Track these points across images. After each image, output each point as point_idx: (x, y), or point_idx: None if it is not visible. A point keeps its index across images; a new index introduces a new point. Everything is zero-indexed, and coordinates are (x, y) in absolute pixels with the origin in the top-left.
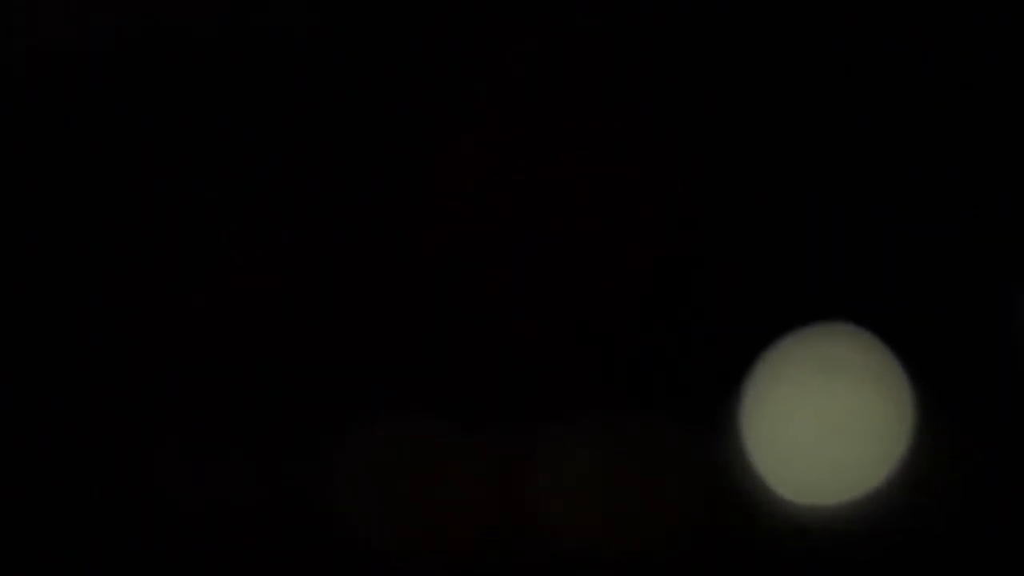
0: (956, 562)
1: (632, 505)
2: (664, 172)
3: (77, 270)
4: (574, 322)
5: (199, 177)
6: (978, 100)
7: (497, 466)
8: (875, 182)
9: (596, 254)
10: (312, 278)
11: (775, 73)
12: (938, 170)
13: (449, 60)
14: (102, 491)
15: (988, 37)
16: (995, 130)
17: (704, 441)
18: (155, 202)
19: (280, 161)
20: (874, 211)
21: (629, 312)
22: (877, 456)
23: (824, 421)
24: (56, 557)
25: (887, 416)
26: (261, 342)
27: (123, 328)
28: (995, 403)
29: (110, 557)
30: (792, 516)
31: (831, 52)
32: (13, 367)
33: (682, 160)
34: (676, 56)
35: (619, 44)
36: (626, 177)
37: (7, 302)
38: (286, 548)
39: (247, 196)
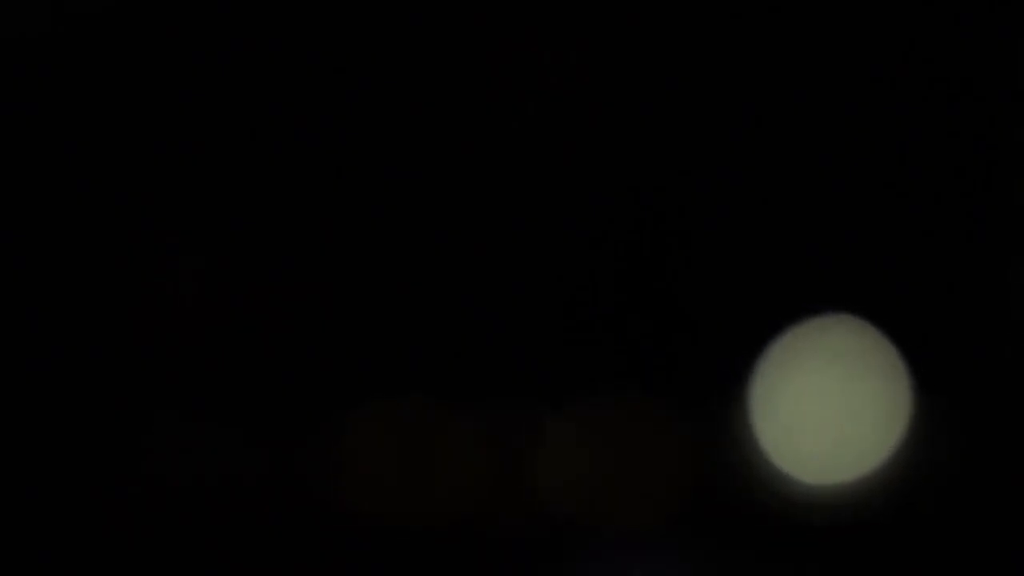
0: (950, 536)
1: (646, 482)
2: (676, 163)
3: (67, 262)
4: (591, 313)
5: (188, 168)
6: (976, 93)
7: (506, 447)
8: (878, 178)
9: (610, 245)
10: (307, 263)
11: (779, 65)
12: (937, 164)
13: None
14: (98, 476)
15: (977, 35)
16: (991, 121)
17: (716, 423)
18: (149, 193)
19: (260, 147)
20: (876, 210)
21: (647, 306)
22: (877, 437)
23: (828, 405)
24: (53, 545)
25: (886, 401)
26: (257, 327)
27: (111, 315)
28: (988, 389)
29: (104, 541)
30: (797, 493)
31: (831, 45)
32: (8, 359)
33: (692, 151)
34: (679, 51)
35: (619, 42)
36: (638, 166)
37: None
38: (285, 526)
39: (237, 186)
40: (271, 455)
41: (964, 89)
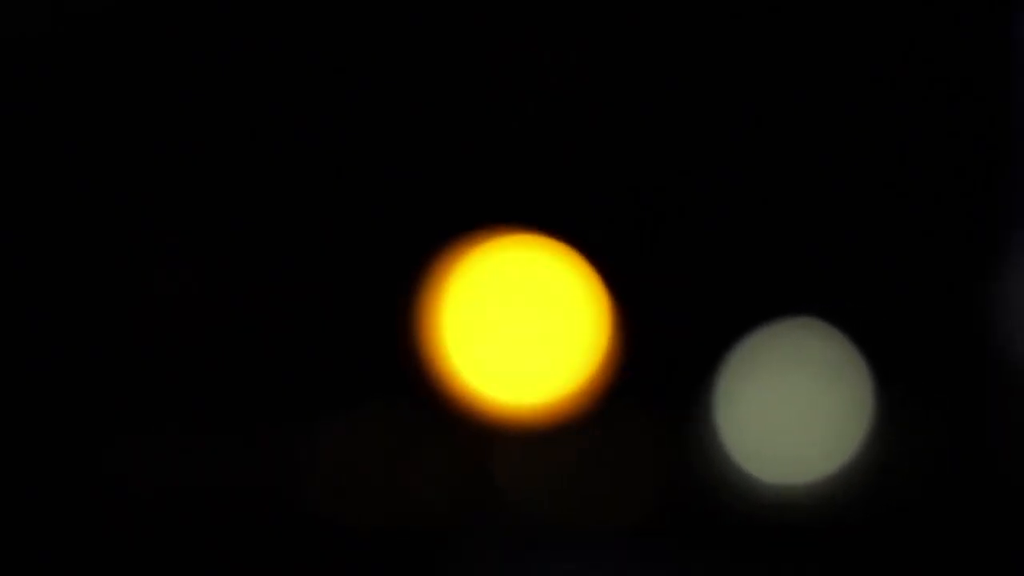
0: (912, 533)
1: (614, 485)
2: (641, 172)
3: (65, 262)
4: (556, 318)
5: (186, 168)
6: (939, 102)
7: (478, 451)
8: (838, 185)
9: (574, 250)
10: (290, 272)
11: (746, 76)
12: (896, 170)
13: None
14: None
15: (940, 41)
16: (956, 131)
17: (681, 425)
18: (146, 192)
19: (259, 147)
20: (837, 216)
21: (613, 310)
22: (840, 438)
23: (792, 407)
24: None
25: (849, 402)
26: (241, 334)
27: (93, 320)
28: (948, 390)
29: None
30: (761, 493)
31: (798, 55)
32: None
33: (659, 155)
34: (643, 61)
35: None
36: (606, 176)
37: None
38: (258, 530)
39: (230, 186)
40: (242, 460)
41: (929, 95)
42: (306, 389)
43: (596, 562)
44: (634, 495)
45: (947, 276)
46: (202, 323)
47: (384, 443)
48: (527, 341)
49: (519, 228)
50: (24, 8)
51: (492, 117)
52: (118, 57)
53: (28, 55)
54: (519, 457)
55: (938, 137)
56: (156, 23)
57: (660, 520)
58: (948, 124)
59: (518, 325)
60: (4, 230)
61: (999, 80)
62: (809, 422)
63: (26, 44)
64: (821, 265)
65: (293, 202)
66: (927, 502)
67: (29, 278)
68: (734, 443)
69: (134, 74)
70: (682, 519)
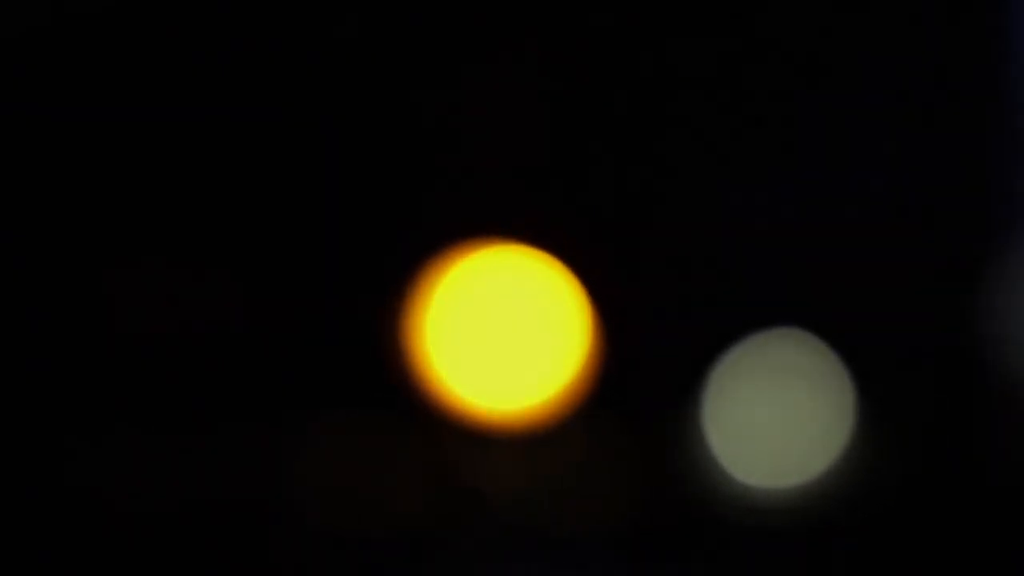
0: (889, 535)
1: (599, 491)
2: (625, 182)
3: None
4: (546, 328)
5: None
6: (927, 106)
7: (460, 457)
8: (820, 194)
9: (563, 260)
10: (275, 279)
11: (726, 87)
12: (878, 177)
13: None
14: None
15: (911, 48)
16: (944, 135)
17: (669, 432)
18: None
19: (260, 147)
20: (819, 225)
21: (598, 316)
22: (822, 445)
23: (775, 414)
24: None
25: (831, 410)
26: (227, 338)
27: (71, 321)
28: (928, 397)
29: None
30: (745, 497)
31: (778, 62)
32: None
33: (643, 171)
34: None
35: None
36: (590, 185)
37: None
38: (254, 539)
39: (231, 187)
40: (227, 467)
41: (916, 99)
42: (290, 396)
43: (581, 569)
44: (619, 502)
45: (932, 283)
46: (186, 327)
47: (367, 450)
48: (512, 348)
49: (503, 236)
50: (24, 8)
51: (476, 126)
52: (118, 57)
53: (28, 55)
54: (505, 464)
55: (925, 143)
56: (156, 23)
57: (645, 525)
58: (937, 128)
59: (503, 332)
60: (3, 229)
61: (989, 82)
62: (794, 427)
63: (26, 44)
64: (805, 275)
65: (280, 208)
66: (912, 507)
67: (26, 277)
68: (720, 448)
69: (134, 74)
70: (668, 524)
